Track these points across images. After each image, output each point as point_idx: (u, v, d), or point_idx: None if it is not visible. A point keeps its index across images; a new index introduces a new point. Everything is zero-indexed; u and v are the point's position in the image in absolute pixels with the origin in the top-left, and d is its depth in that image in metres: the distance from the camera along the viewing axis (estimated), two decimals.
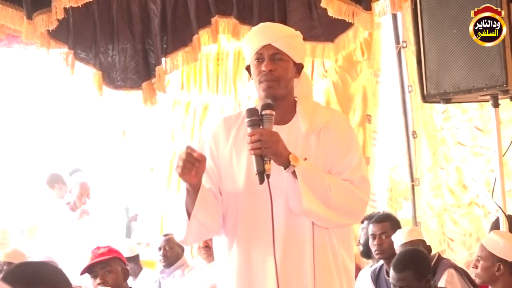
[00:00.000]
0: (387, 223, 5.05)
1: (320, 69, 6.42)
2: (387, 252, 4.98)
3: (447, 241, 6.01)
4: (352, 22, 5.16)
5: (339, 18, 5.09)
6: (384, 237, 5.00)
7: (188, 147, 2.89)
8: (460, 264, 5.26)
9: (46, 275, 1.76)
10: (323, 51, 5.55)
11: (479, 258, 4.09)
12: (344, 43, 5.62)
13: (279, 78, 3.02)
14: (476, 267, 4.12)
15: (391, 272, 4.30)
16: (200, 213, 2.93)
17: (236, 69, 6.87)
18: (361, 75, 6.54)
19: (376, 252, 5.03)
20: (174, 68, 5.44)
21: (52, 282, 1.75)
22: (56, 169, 8.08)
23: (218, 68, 6.83)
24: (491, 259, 4.05)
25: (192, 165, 2.85)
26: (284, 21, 5.16)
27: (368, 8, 5.09)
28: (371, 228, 5.05)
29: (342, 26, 5.44)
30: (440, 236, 6.04)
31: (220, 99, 6.93)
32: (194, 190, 2.91)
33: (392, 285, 4.32)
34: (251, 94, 6.71)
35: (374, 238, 5.04)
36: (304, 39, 3.23)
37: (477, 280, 4.26)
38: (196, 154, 2.85)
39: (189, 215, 2.94)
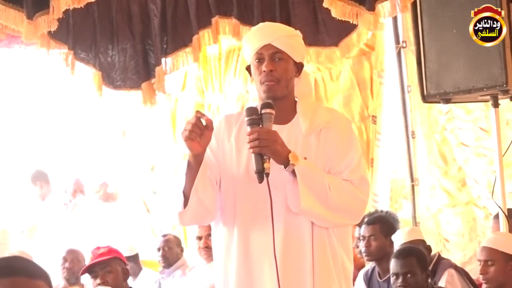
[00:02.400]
0: (378, 225, 5.00)
1: None
2: (374, 255, 4.96)
3: (443, 241, 6.01)
4: (356, 24, 5.13)
5: (342, 20, 5.05)
6: (372, 239, 4.95)
7: (198, 112, 2.87)
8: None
9: (19, 266, 1.75)
10: (328, 56, 5.52)
11: (490, 262, 4.02)
12: (348, 47, 5.60)
13: (279, 79, 3.01)
14: (486, 272, 4.04)
15: (394, 261, 4.25)
16: (201, 189, 2.88)
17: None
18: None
19: (364, 254, 5.00)
20: (174, 69, 5.43)
21: (25, 271, 1.73)
22: (41, 166, 8.02)
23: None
24: (503, 259, 4.00)
25: (200, 131, 2.82)
26: (287, 22, 5.12)
27: (371, 8, 5.04)
28: (362, 229, 5.00)
29: (346, 30, 5.40)
30: (436, 237, 6.03)
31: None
32: (196, 161, 2.87)
33: (393, 276, 4.28)
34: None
35: (363, 239, 4.98)
36: (310, 44, 3.20)
37: (486, 286, 4.13)
38: (205, 119, 2.83)
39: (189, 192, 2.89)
